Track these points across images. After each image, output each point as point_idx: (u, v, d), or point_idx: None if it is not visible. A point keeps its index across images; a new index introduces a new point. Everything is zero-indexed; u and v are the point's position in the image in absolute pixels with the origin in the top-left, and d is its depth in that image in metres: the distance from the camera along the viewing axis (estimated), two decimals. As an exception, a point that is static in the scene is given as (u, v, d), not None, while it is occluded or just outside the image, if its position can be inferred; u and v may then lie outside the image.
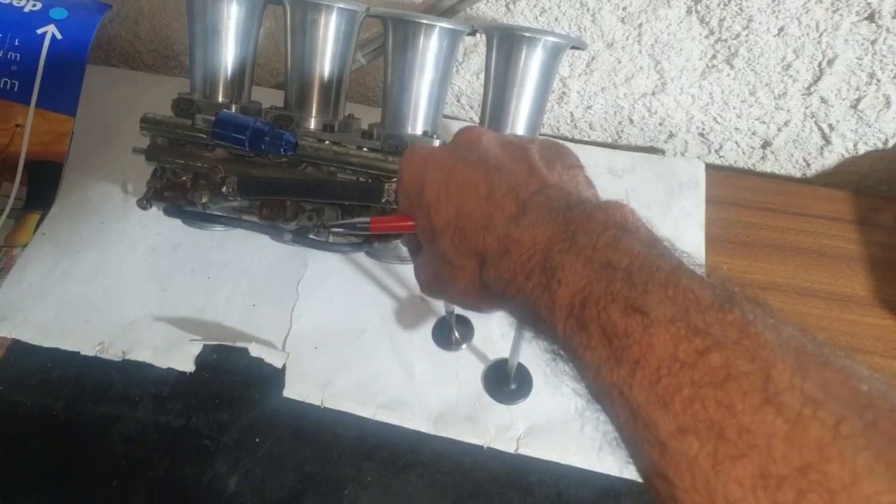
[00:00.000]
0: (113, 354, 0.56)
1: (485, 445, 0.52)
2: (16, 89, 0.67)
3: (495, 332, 0.58)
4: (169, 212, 0.58)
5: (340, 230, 0.54)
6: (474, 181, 0.31)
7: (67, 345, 0.57)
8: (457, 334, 0.57)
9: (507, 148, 0.33)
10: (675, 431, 0.20)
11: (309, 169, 0.55)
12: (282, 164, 0.54)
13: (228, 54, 0.58)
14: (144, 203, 0.57)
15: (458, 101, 0.78)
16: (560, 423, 0.52)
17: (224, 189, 0.52)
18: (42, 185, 0.68)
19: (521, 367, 0.55)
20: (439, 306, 0.59)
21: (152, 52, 0.83)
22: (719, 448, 0.19)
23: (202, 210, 0.56)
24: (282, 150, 0.51)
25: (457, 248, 0.31)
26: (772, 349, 0.20)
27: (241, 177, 0.53)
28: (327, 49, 0.56)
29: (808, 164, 0.74)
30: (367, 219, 0.39)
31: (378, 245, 0.57)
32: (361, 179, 0.53)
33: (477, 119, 0.76)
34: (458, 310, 0.56)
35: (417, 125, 0.57)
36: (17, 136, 0.67)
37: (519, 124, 0.57)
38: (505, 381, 0.55)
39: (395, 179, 0.52)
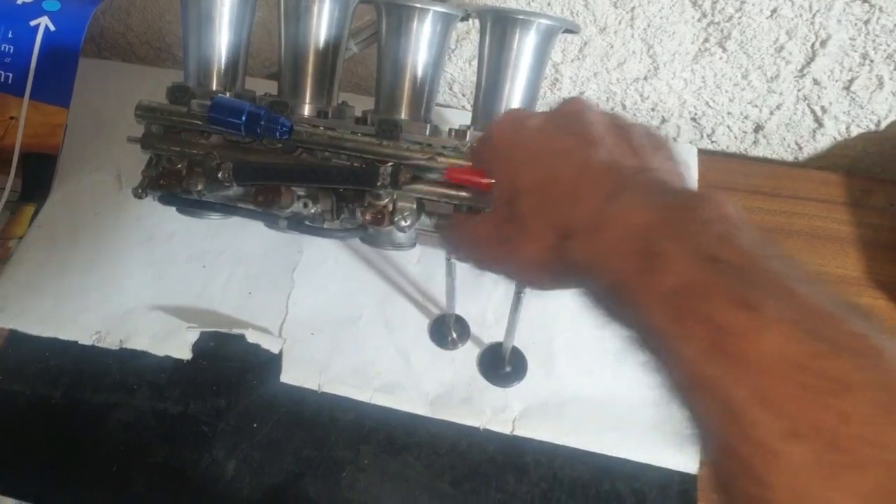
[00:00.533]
0: (110, 343, 0.57)
1: (481, 427, 0.52)
2: (9, 81, 0.67)
3: (489, 316, 0.58)
4: (164, 200, 0.58)
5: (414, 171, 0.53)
6: (572, 150, 0.30)
7: (65, 334, 0.57)
8: (454, 334, 0.57)
9: (610, 125, 0.32)
10: (778, 433, 0.19)
11: (304, 155, 0.55)
12: (277, 151, 0.54)
13: (222, 42, 0.58)
14: (140, 192, 0.57)
15: (451, 88, 0.78)
16: (555, 405, 0.53)
17: (219, 175, 0.52)
18: (37, 177, 0.68)
19: (515, 350, 0.55)
20: (435, 299, 0.59)
21: (145, 44, 0.83)
22: (829, 456, 0.18)
23: (198, 198, 0.56)
24: (277, 133, 0.51)
25: (537, 215, 0.30)
26: (893, 362, 0.19)
27: (237, 162, 0.53)
28: (321, 35, 0.56)
29: (801, 148, 0.74)
30: (447, 161, 0.38)
31: (373, 230, 0.57)
32: (356, 164, 0.54)
33: (469, 107, 0.76)
34: (457, 309, 0.56)
35: (411, 110, 0.57)
36: (11, 129, 0.67)
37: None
38: (500, 364, 0.55)
39: (390, 164, 0.52)
